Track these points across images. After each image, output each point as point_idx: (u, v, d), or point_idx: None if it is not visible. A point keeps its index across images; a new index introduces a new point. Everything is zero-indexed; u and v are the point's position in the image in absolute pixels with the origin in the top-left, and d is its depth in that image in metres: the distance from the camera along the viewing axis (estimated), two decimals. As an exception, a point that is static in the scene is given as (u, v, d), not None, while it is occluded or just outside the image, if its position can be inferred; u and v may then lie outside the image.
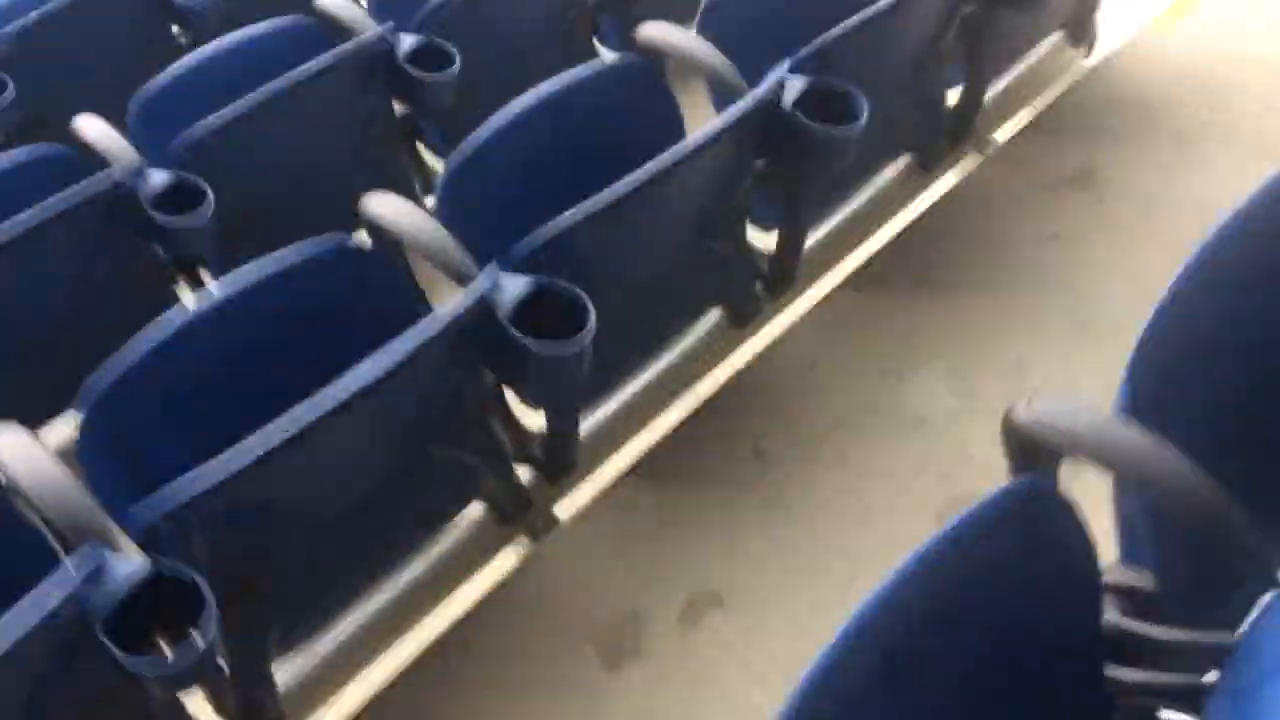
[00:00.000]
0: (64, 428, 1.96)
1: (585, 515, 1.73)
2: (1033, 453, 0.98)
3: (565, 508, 1.72)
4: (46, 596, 1.10)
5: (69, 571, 1.13)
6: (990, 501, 0.88)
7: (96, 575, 1.13)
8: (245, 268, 1.57)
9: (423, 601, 1.62)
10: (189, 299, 2.13)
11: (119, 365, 1.45)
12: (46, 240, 1.85)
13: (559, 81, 1.80)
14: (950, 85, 2.23)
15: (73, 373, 2.03)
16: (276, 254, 1.56)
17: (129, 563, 1.18)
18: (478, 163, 1.72)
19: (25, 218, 1.81)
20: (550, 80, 1.79)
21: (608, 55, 2.75)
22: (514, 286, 1.43)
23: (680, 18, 2.77)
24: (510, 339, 1.41)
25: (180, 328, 1.48)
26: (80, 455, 1.44)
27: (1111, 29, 2.47)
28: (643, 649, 1.57)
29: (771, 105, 1.67)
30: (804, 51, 1.71)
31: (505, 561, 1.67)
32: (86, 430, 1.44)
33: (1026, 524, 0.90)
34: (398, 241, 1.62)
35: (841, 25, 1.72)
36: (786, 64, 1.69)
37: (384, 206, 1.62)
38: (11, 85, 2.51)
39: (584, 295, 1.44)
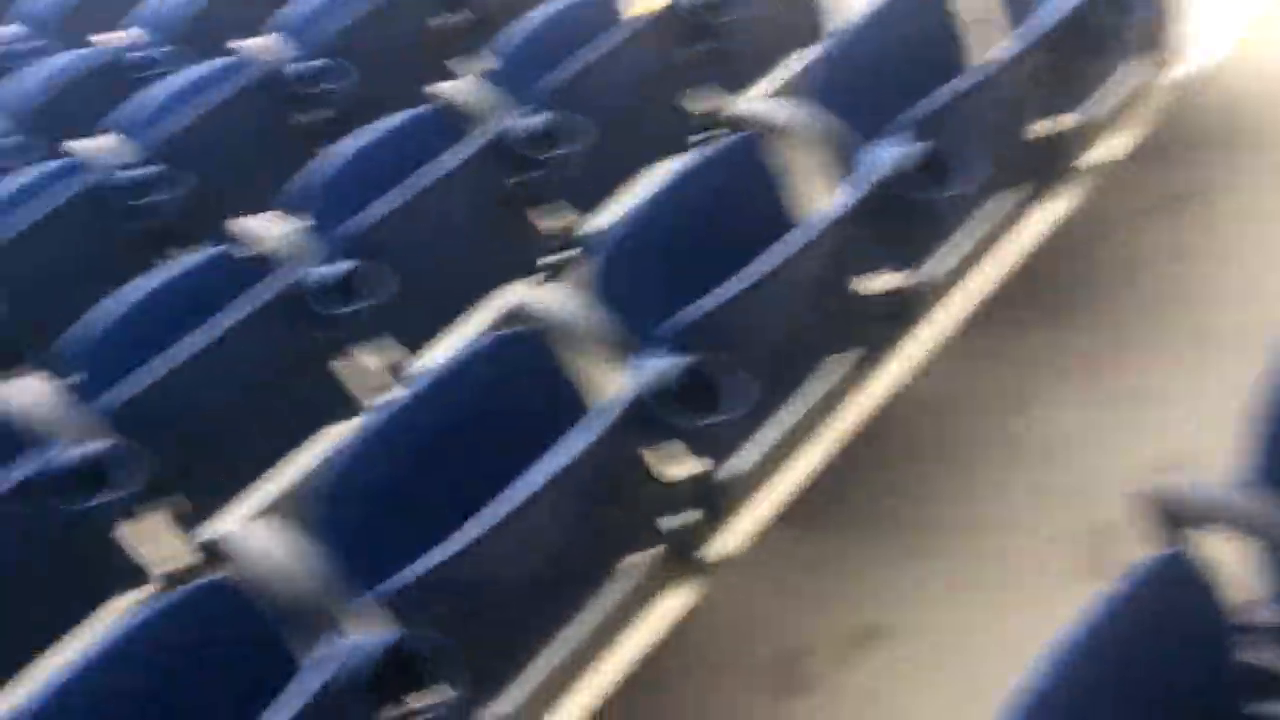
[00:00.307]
0: (256, 502, 2.23)
1: (745, 554, 1.87)
2: (1174, 521, 1.11)
3: (725, 548, 1.88)
4: (320, 673, 1.30)
5: (332, 650, 1.34)
6: (1138, 573, 1.02)
7: (354, 652, 1.34)
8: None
9: (598, 647, 1.77)
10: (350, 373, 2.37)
11: (337, 458, 1.65)
12: (238, 337, 2.07)
13: (681, 168, 1.98)
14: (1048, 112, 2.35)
15: (254, 453, 2.29)
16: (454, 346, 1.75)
17: (370, 637, 1.38)
18: (616, 250, 1.91)
19: (222, 320, 2.04)
20: (672, 167, 1.98)
21: (699, 105, 2.93)
22: (669, 368, 1.61)
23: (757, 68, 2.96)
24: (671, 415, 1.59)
25: (385, 418, 1.68)
26: (311, 535, 1.64)
27: (1205, 45, 2.54)
28: (811, 683, 1.71)
29: (884, 175, 1.81)
30: (911, 117, 1.85)
31: (672, 604, 1.81)
32: (314, 512, 1.64)
33: (1170, 592, 1.04)
34: (553, 327, 1.81)
35: (945, 95, 1.85)
36: (896, 134, 1.83)
37: (543, 297, 1.81)
38: (176, 181, 2.76)
39: (733, 370, 1.60)
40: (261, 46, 3.29)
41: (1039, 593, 1.62)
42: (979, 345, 2.16)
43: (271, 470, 2.22)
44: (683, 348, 1.64)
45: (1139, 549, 1.06)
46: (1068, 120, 2.32)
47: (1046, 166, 2.35)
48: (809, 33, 3.08)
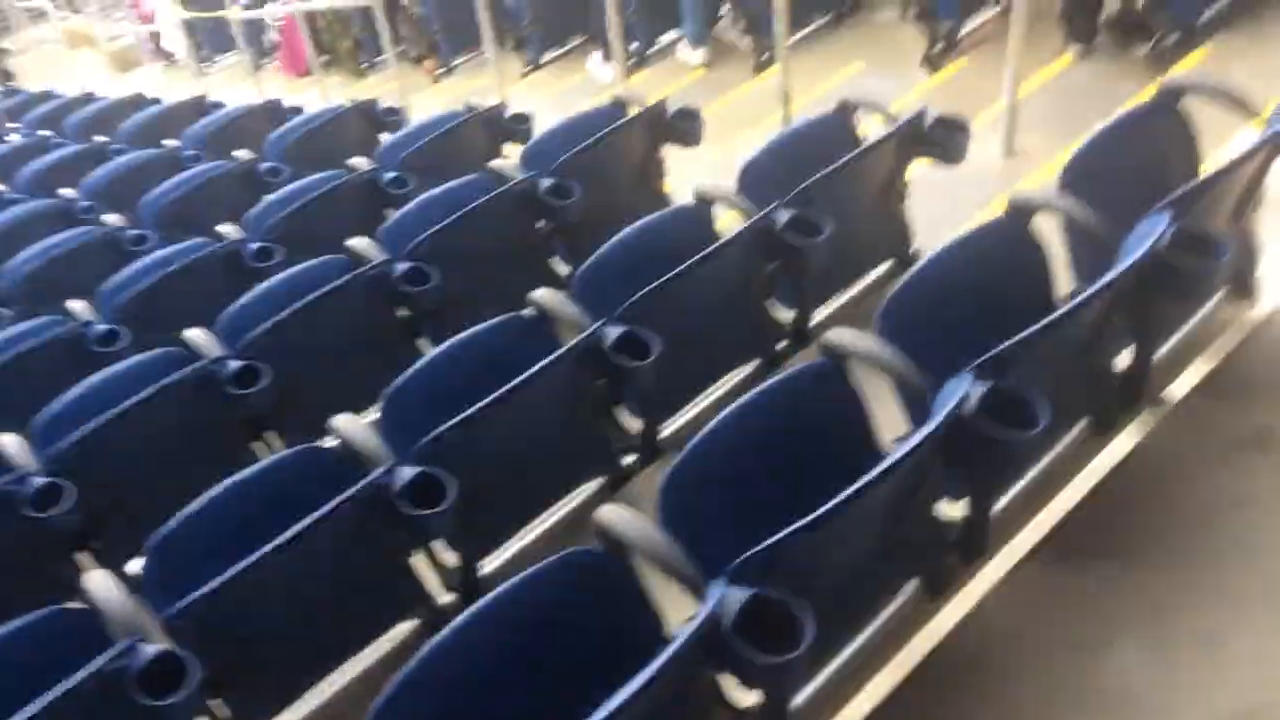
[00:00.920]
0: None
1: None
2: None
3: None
4: None
5: None
6: None
7: None
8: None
9: None
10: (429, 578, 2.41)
11: (402, 674, 1.66)
12: (315, 535, 2.12)
13: (760, 390, 2.02)
14: (1120, 346, 2.37)
15: (331, 645, 2.32)
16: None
17: None
18: (690, 471, 1.94)
19: (306, 521, 2.10)
20: (753, 391, 2.02)
21: (784, 315, 3.02)
22: (737, 602, 1.61)
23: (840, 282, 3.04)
24: (736, 648, 1.59)
25: (448, 638, 1.69)
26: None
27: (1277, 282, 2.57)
28: None
29: (957, 414, 1.83)
30: (985, 359, 1.88)
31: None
32: None
33: None
34: (628, 549, 1.83)
35: (1021, 336, 1.88)
36: (969, 375, 1.86)
37: (616, 519, 1.84)
38: (268, 374, 2.90)
39: (800, 605, 1.60)
40: (363, 247, 3.48)
41: None
42: (1045, 581, 2.15)
43: (338, 671, 2.25)
44: (752, 580, 1.64)
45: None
46: (1143, 357, 2.34)
47: (1119, 402, 2.36)
48: (894, 248, 3.20)
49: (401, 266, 3.17)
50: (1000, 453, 1.88)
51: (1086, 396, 2.33)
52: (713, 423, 2.00)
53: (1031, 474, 2.26)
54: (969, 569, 2.17)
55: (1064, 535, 2.21)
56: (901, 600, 2.09)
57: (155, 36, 10.26)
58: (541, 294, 2.71)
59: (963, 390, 1.85)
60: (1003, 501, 2.21)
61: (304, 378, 2.99)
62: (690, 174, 4.00)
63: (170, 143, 5.80)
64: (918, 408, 2.03)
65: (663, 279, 2.61)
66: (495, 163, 4.13)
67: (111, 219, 4.80)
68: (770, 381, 2.06)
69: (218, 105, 6.67)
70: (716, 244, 2.76)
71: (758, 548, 1.65)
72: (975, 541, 2.14)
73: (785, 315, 3.01)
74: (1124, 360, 2.36)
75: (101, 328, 3.48)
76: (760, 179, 3.12)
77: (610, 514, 1.85)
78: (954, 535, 2.12)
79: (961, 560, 2.16)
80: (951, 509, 2.12)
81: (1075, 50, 4.48)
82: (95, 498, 2.60)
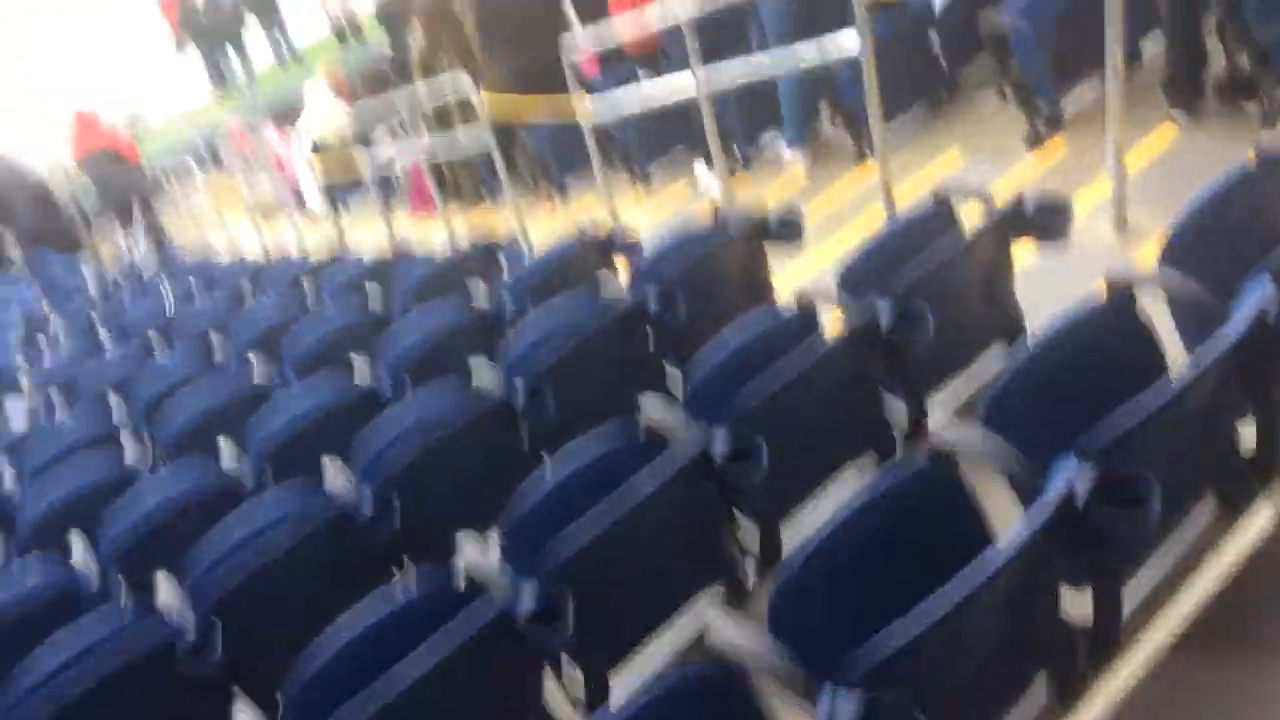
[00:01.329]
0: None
1: None
2: None
3: None
4: None
5: None
6: None
7: None
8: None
9: None
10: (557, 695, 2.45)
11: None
12: (447, 666, 2.19)
13: (868, 491, 2.02)
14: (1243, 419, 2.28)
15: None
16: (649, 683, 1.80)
17: None
18: (800, 580, 1.94)
19: (428, 652, 2.17)
20: (861, 489, 2.02)
21: (896, 407, 3.01)
22: (849, 708, 1.60)
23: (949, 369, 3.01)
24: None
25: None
26: None
27: None
28: None
29: (1068, 500, 1.80)
30: (1092, 442, 1.85)
31: None
32: None
33: None
34: (742, 662, 1.84)
35: (1129, 417, 1.85)
36: (1075, 460, 1.83)
37: (727, 631, 1.86)
38: (396, 504, 3.03)
39: (916, 711, 1.59)
40: (483, 373, 3.63)
41: None
42: (1186, 676, 2.04)
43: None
44: (867, 685, 1.63)
45: None
46: (1267, 429, 2.25)
47: (1249, 479, 2.27)
48: (1006, 333, 3.17)
49: (520, 390, 3.28)
50: (1116, 538, 1.84)
51: (1211, 475, 2.25)
52: (822, 529, 2.01)
53: (1162, 561, 2.18)
54: (1101, 665, 2.08)
55: (1203, 625, 2.10)
56: (1030, 705, 2.03)
57: (294, 189, 10.96)
58: (650, 404, 2.78)
59: (1069, 477, 1.82)
60: (1134, 596, 2.14)
61: (433, 504, 3.11)
62: (796, 271, 4.07)
63: (309, 289, 6.18)
64: (1031, 499, 2.00)
65: (770, 385, 2.66)
66: (606, 281, 4.26)
67: (257, 363, 5.11)
68: (879, 485, 2.06)
69: (353, 255, 7.09)
70: (821, 346, 2.79)
71: (868, 652, 1.65)
72: (1107, 634, 2.07)
73: (897, 407, 3.00)
74: (1250, 434, 2.28)
75: (248, 471, 3.69)
76: (861, 275, 3.16)
77: (721, 627, 1.87)
78: (1082, 631, 2.06)
79: (1092, 657, 2.08)
80: (1078, 602, 2.06)
81: (1182, 116, 4.40)
82: (245, 638, 2.74)
